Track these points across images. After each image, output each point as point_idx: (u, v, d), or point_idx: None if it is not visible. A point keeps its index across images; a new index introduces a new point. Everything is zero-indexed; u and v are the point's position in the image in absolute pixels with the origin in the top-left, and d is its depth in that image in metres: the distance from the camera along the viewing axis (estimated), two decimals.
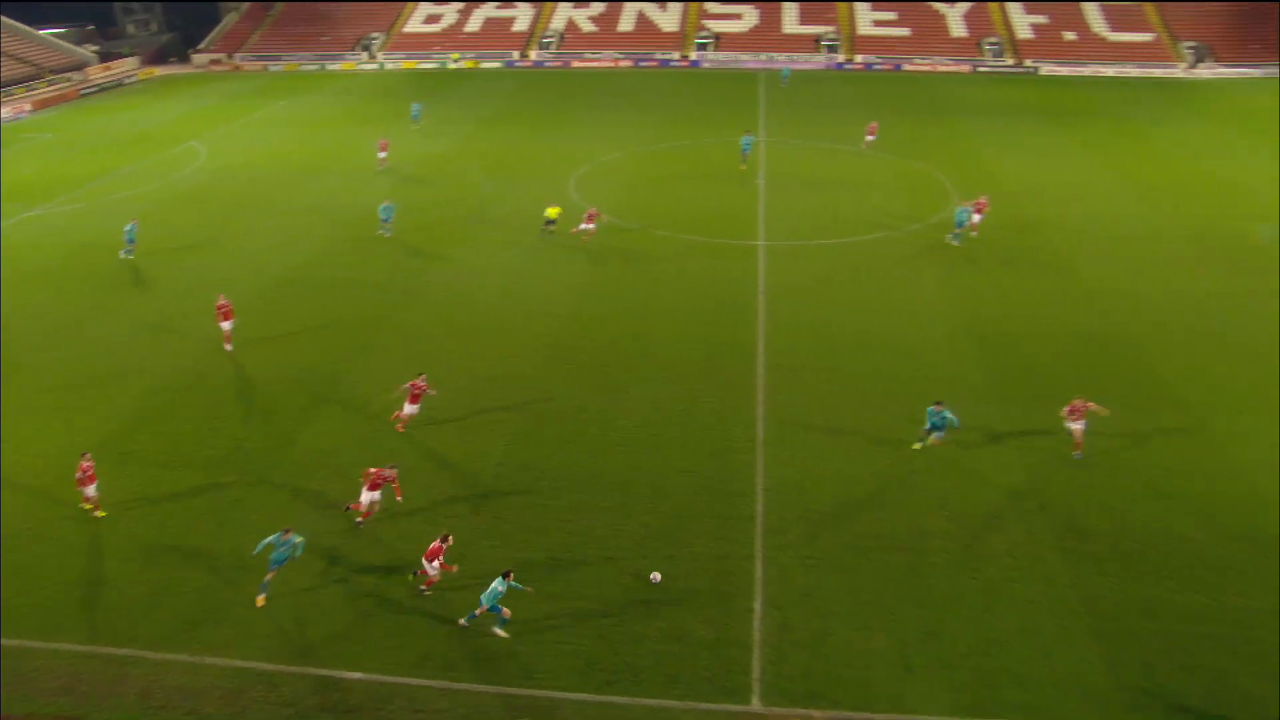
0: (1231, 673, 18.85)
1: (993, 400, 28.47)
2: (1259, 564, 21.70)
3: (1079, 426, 25.15)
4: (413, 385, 26.62)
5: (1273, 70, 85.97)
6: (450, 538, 20.86)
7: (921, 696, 18.36)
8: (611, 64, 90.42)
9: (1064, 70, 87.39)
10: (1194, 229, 43.48)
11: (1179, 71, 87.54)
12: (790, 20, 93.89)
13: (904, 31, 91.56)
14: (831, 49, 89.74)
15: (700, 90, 77.36)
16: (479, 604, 19.64)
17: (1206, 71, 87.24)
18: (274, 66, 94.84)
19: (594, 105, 71.75)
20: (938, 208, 46.03)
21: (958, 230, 40.83)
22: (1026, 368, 30.52)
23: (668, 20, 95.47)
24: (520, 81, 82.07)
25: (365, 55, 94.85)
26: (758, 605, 20.61)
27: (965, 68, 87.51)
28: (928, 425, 25.52)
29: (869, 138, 56.43)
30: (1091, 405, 25.33)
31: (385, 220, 41.98)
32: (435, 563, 20.46)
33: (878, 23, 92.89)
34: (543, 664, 19.03)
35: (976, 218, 40.89)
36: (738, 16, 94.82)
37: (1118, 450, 25.97)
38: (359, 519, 23.00)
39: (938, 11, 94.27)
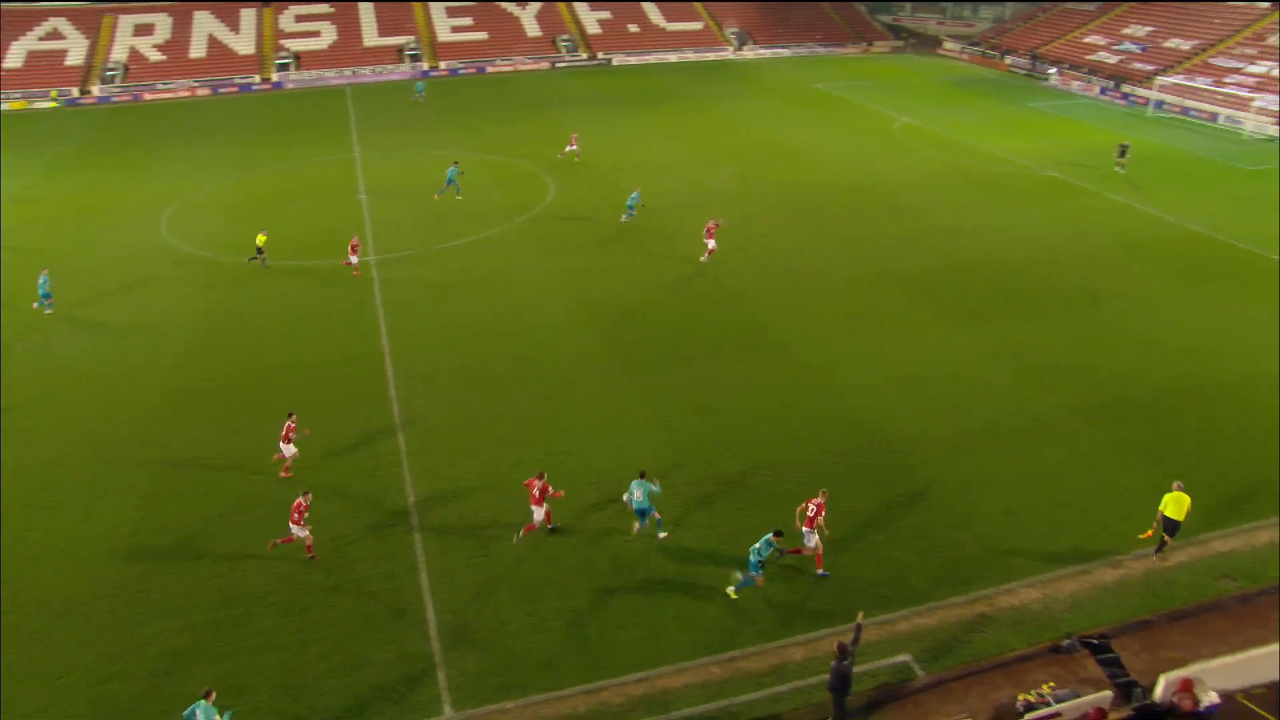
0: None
1: (618, 369, 30.15)
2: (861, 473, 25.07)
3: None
4: (286, 428, 24.93)
5: (801, 49, 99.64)
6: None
7: (604, 663, 19.09)
8: (189, 93, 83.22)
9: (633, 60, 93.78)
10: (770, 191, 48.78)
11: (729, 54, 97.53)
12: (370, 33, 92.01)
13: (482, 35, 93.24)
14: (415, 58, 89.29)
15: (286, 112, 73.64)
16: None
17: (750, 53, 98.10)
18: None
19: (176, 139, 65.68)
20: (540, 198, 47.60)
21: (631, 213, 43.77)
22: (644, 334, 32.63)
23: (242, 43, 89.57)
24: (87, 121, 72.99)
25: None
26: (430, 615, 20.30)
27: (545, 65, 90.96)
28: (752, 562, 20.44)
29: (570, 148, 55.47)
30: None
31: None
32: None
33: (456, 29, 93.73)
34: None
35: (711, 243, 39.75)
36: (316, 34, 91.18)
37: (749, 395, 28.63)
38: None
39: (511, 14, 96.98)
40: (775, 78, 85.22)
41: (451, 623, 20.09)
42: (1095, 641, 19.32)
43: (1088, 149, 60.11)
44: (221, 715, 16.83)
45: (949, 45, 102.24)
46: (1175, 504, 21.55)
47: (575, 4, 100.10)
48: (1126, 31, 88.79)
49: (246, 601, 20.72)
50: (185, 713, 16.70)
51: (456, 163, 49.50)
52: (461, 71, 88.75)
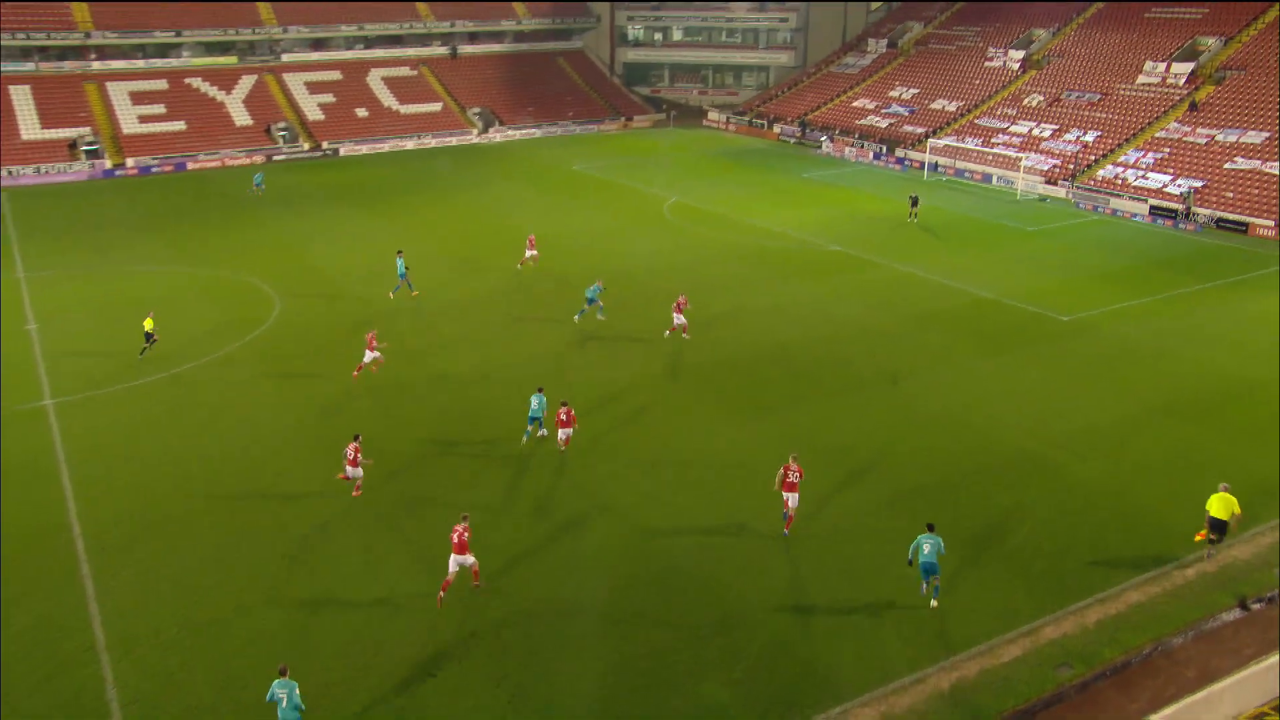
0: None
1: (377, 504, 29.02)
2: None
3: None
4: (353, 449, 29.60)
5: (554, 128, 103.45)
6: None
7: None
8: None
9: (364, 148, 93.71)
10: (525, 286, 49.32)
11: (474, 137, 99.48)
12: (29, 124, 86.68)
13: (179, 125, 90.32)
14: (93, 154, 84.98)
15: None
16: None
17: (498, 135, 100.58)
18: None
19: None
20: (263, 315, 45.94)
21: (586, 309, 44.17)
22: (409, 469, 31.70)
23: None
24: None
25: None
26: None
27: (259, 158, 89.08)
28: None
29: (530, 252, 53.16)
30: None
31: None
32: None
33: (144, 118, 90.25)
34: None
35: (680, 319, 41.83)
36: None
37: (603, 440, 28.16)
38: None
39: (212, 98, 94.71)
40: (528, 161, 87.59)
41: None
42: None
43: (868, 218, 65.24)
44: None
45: (714, 116, 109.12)
46: (1221, 504, 25.62)
47: (291, 85, 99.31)
48: (893, 94, 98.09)
49: None
50: (267, 696, 19.73)
51: (401, 252, 50.17)
52: (156, 169, 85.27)
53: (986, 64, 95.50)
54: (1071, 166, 75.20)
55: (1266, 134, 70.12)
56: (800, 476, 27.08)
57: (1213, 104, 76.07)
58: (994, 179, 77.30)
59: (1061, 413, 35.39)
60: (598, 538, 27.77)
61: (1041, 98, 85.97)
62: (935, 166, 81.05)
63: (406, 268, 48.75)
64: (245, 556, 27.02)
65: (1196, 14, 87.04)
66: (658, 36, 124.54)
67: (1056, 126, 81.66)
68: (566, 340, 42.56)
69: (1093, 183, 72.68)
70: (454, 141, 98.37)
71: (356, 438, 30.00)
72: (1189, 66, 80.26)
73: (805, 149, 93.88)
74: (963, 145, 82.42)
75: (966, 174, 79.35)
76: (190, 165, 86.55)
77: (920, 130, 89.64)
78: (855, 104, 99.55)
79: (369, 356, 37.87)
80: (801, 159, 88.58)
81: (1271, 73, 75.88)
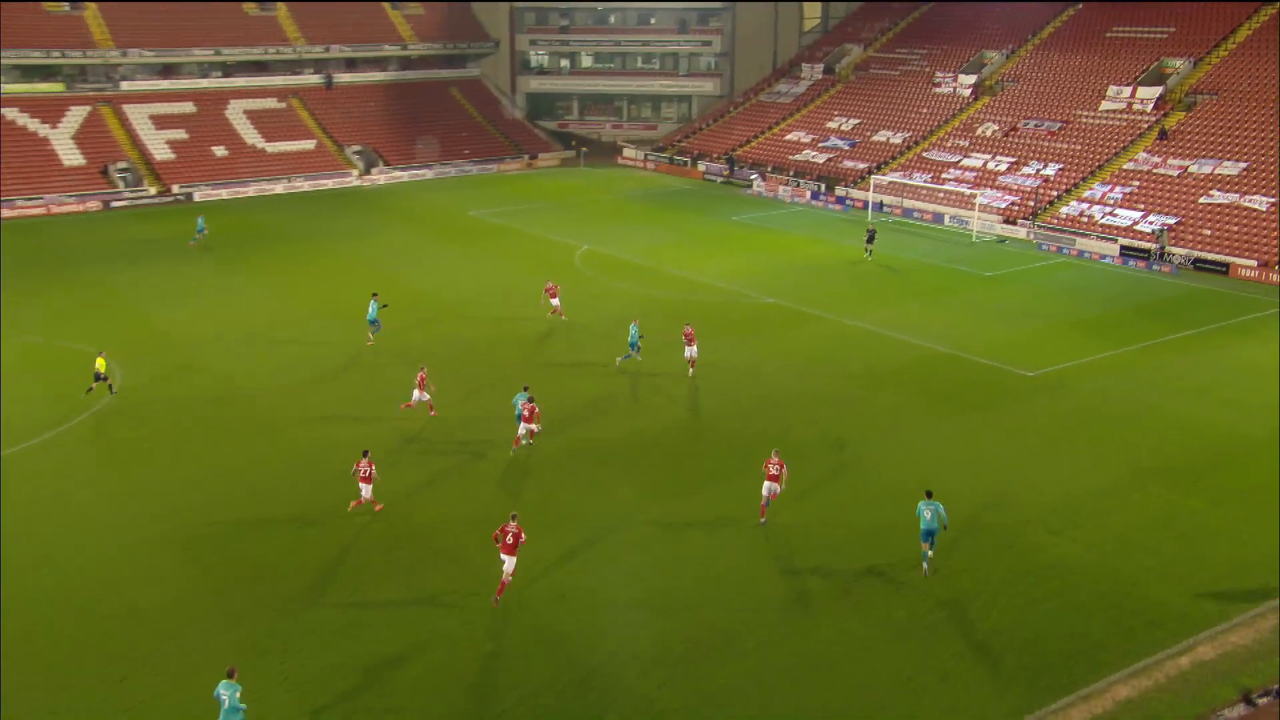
0: None
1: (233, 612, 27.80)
2: None
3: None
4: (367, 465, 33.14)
5: (447, 169, 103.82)
6: None
7: None
8: None
9: (223, 193, 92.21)
10: (415, 347, 48.56)
11: (354, 180, 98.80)
12: None
13: None
14: None
15: None
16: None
17: (382, 177, 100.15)
18: None
19: None
20: (98, 390, 44.52)
21: (631, 353, 46.31)
22: (240, 562, 30.54)
23: None
24: None
25: None
26: None
27: (94, 204, 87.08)
28: None
29: (554, 300, 53.76)
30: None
31: None
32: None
33: None
34: None
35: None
36: None
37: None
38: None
39: (34, 133, 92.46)
40: (417, 206, 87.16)
41: None
42: None
43: (806, 265, 65.91)
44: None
45: (630, 153, 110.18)
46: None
47: (133, 118, 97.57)
48: (831, 125, 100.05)
49: None
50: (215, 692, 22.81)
51: (376, 294, 51.08)
52: None
53: (934, 90, 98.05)
54: (1032, 203, 77.06)
55: (1244, 164, 72.67)
56: (781, 469, 32.29)
57: (1184, 131, 78.80)
58: (946, 219, 78.80)
59: (1031, 481, 35.53)
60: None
61: (996, 127, 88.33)
62: (880, 206, 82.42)
63: (382, 306, 50.47)
64: None
65: (1162, 33, 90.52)
66: (565, 63, 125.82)
67: (1014, 159, 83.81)
68: (442, 425, 41.91)
69: (1056, 221, 74.48)
70: (331, 184, 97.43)
71: (365, 454, 33.26)
72: (1156, 91, 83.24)
73: (734, 189, 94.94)
74: (910, 182, 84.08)
75: (915, 214, 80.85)
76: (6, 212, 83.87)
77: (863, 166, 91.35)
78: (789, 137, 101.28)
79: (416, 396, 40.80)
80: (730, 200, 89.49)
81: (1246, 97, 79.06)
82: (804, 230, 76.80)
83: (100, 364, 43.19)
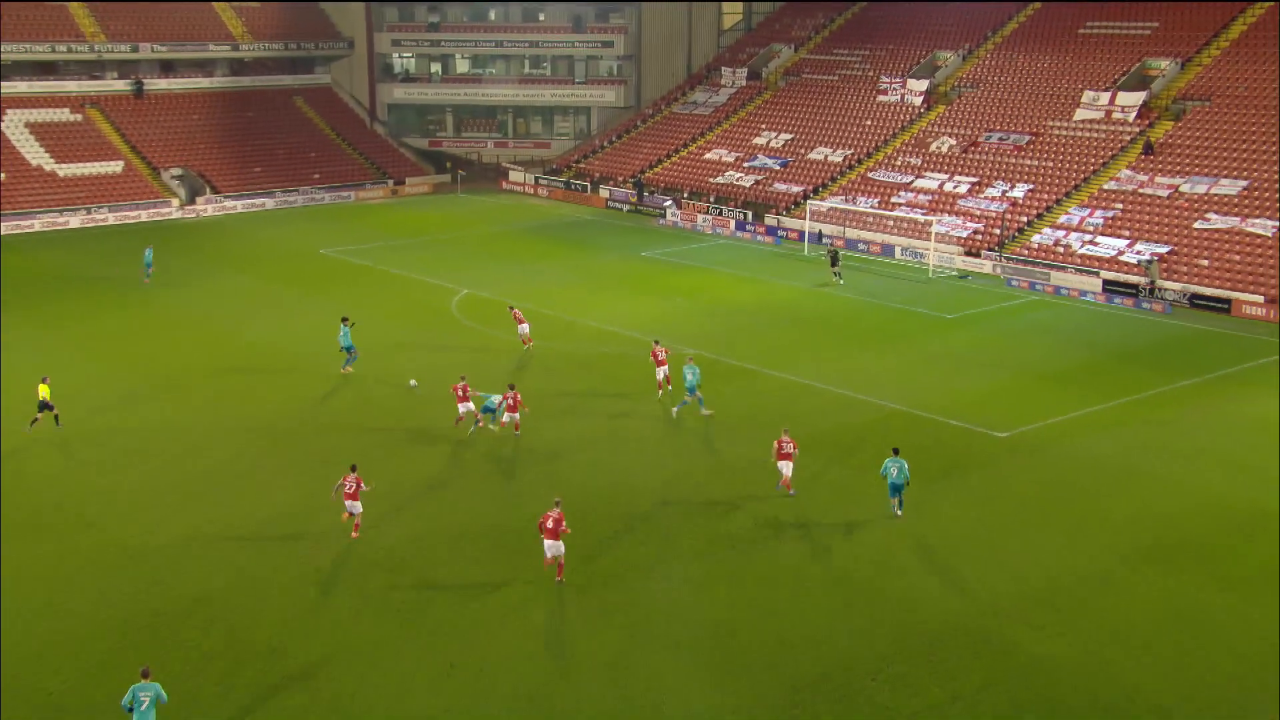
0: None
1: None
2: None
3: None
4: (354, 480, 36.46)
5: (293, 197, 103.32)
6: None
7: None
8: None
9: (3, 227, 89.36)
10: (255, 427, 47.62)
11: (174, 211, 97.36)
12: None
13: None
14: None
15: None
16: None
17: (210, 207, 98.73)
18: None
19: None
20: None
21: (688, 400, 48.28)
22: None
23: None
24: None
25: None
26: None
27: None
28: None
29: (522, 327, 57.77)
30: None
31: None
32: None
33: None
34: None
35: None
36: None
37: None
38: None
39: None
40: (256, 244, 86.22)
41: None
42: None
43: (734, 309, 66.22)
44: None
45: (517, 176, 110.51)
46: None
47: None
48: (759, 141, 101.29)
49: None
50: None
51: (345, 318, 54.92)
52: None
53: (879, 98, 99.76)
54: (997, 232, 78.35)
55: (1244, 182, 74.51)
56: (795, 449, 40.08)
57: (1172, 144, 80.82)
58: (897, 251, 79.80)
59: (1006, 565, 35.58)
60: None
61: (954, 141, 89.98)
62: (819, 237, 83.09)
63: (351, 328, 54.37)
64: None
65: (1144, 29, 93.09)
66: (435, 68, 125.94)
67: (975, 179, 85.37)
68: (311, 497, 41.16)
69: (1026, 252, 75.80)
70: (143, 217, 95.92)
71: (353, 468, 36.62)
72: (1139, 97, 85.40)
73: (643, 219, 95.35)
74: (854, 208, 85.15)
75: (861, 246, 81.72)
76: None
77: (797, 189, 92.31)
78: (708, 156, 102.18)
79: (463, 409, 45.91)
80: (639, 233, 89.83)
81: (1243, 103, 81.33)
82: (729, 268, 77.21)
83: (44, 391, 45.20)
